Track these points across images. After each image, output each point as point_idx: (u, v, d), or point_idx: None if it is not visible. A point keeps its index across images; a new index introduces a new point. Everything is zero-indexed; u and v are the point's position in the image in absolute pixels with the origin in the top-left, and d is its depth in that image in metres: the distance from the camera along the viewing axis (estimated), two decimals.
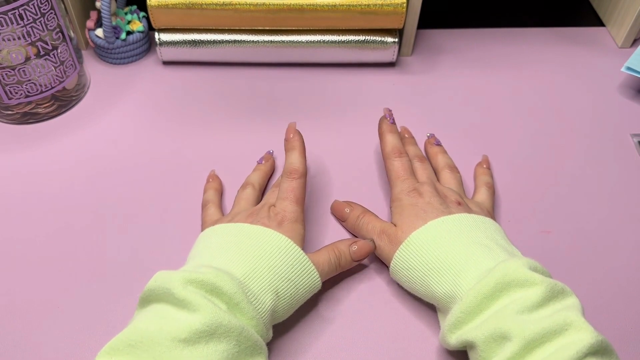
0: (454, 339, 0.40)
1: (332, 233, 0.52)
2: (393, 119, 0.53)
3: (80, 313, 0.46)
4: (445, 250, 0.43)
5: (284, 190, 0.46)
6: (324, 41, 0.64)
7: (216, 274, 0.37)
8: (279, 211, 0.45)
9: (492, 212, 0.50)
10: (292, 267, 0.42)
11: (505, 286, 0.38)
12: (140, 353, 0.34)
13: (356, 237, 0.50)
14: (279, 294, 0.41)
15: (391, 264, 0.45)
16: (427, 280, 0.43)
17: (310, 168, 0.57)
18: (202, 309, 0.35)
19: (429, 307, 0.46)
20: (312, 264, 0.43)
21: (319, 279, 0.43)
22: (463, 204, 0.47)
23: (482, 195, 0.52)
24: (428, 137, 0.58)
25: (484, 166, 0.56)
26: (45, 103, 0.60)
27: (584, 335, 0.35)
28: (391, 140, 0.51)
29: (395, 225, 0.47)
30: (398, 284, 0.47)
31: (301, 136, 0.49)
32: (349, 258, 0.46)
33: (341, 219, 0.52)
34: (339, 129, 0.61)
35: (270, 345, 0.44)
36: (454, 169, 0.53)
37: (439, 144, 0.57)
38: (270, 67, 0.67)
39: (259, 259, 0.41)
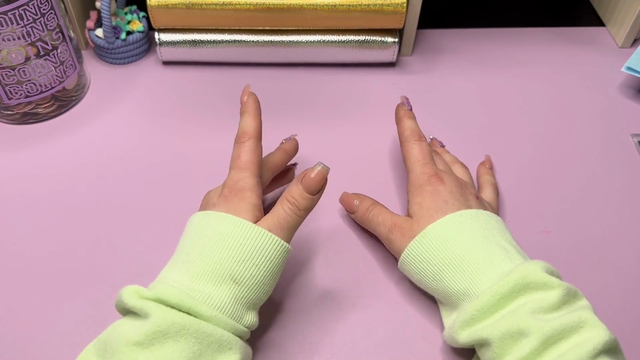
0: (466, 335, 0.39)
1: (334, 231, 0.52)
2: (410, 106, 0.51)
3: (80, 313, 0.46)
4: (464, 246, 0.41)
5: (232, 159, 0.43)
6: (324, 41, 0.64)
7: (162, 288, 0.36)
8: (227, 184, 0.42)
9: (497, 213, 0.50)
10: (239, 246, 0.38)
11: (524, 287, 0.38)
12: None
13: (366, 230, 0.50)
14: (237, 279, 0.38)
15: (403, 255, 0.44)
16: (442, 276, 0.42)
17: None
18: (153, 312, 0.35)
19: (435, 306, 0.46)
20: (261, 230, 0.39)
21: (279, 241, 0.39)
22: (480, 198, 0.47)
23: (489, 195, 0.51)
24: (431, 139, 0.58)
25: (487, 166, 0.55)
26: (45, 103, 0.60)
27: (598, 333, 0.35)
28: (410, 124, 0.49)
29: (411, 217, 0.45)
30: (405, 283, 0.47)
31: (255, 98, 0.46)
32: (305, 195, 0.40)
33: (350, 211, 0.51)
34: (339, 128, 0.61)
35: (271, 341, 0.44)
36: (463, 164, 0.53)
37: (442, 146, 0.56)
38: (270, 67, 0.67)
39: (204, 251, 0.39)
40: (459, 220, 0.43)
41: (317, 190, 0.40)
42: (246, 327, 0.39)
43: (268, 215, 0.40)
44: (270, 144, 0.58)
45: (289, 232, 0.40)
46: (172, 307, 0.36)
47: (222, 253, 0.38)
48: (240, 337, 0.38)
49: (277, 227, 0.40)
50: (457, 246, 0.42)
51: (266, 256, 0.39)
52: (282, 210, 0.40)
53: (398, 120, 0.51)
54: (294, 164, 0.55)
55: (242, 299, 0.38)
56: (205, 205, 0.44)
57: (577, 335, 0.35)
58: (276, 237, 0.39)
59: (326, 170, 0.40)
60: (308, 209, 0.41)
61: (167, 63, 0.68)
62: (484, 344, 0.38)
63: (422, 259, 0.43)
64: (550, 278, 0.38)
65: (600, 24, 0.75)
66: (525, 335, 0.36)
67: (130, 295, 0.36)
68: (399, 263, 0.45)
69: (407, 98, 0.52)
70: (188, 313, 0.36)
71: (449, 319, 0.42)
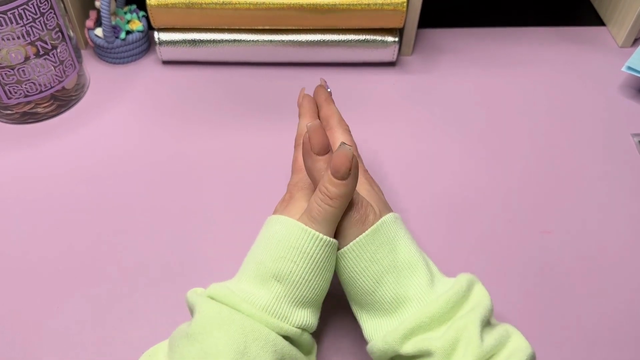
0: (410, 345, 0.37)
1: None
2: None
3: (80, 313, 0.46)
4: (405, 249, 0.40)
5: (292, 162, 0.43)
6: (324, 40, 0.64)
7: (213, 286, 0.38)
8: (288, 188, 0.43)
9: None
10: (277, 243, 0.38)
11: (467, 296, 0.38)
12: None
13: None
14: (279, 277, 0.37)
15: (354, 242, 0.38)
16: (383, 279, 0.38)
17: None
18: (203, 305, 0.36)
19: None
20: (295, 223, 0.38)
21: (312, 233, 0.37)
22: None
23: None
24: (321, 81, 0.52)
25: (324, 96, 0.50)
26: (45, 103, 0.60)
27: (523, 344, 0.36)
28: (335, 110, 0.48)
29: (372, 205, 0.40)
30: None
31: (309, 99, 0.46)
32: (335, 182, 0.37)
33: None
34: None
35: None
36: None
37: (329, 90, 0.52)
38: (270, 67, 0.67)
39: (252, 254, 0.39)
40: (399, 220, 0.41)
41: (345, 174, 0.37)
42: (296, 327, 0.38)
43: (305, 210, 0.39)
44: (269, 143, 0.58)
45: (326, 225, 0.38)
46: (220, 302, 0.37)
47: (265, 253, 0.38)
48: (290, 337, 0.37)
49: (311, 220, 0.38)
50: (402, 244, 0.39)
51: (302, 251, 0.37)
52: (314, 203, 0.38)
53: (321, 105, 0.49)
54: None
55: (287, 297, 0.37)
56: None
57: (506, 348, 0.36)
58: (309, 229, 0.37)
59: (348, 150, 0.37)
60: (342, 197, 0.37)
61: (166, 62, 0.68)
62: (426, 355, 0.36)
63: (371, 255, 0.39)
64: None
65: (601, 23, 0.75)
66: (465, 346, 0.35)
67: (190, 293, 0.38)
68: (341, 250, 0.40)
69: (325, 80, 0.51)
70: (233, 306, 0.37)
71: (380, 327, 0.39)
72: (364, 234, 0.38)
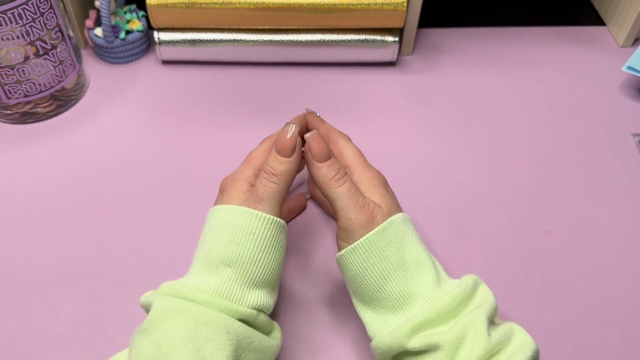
0: (417, 340, 0.37)
1: (329, 234, 0.52)
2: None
3: (80, 313, 0.46)
4: (413, 247, 0.40)
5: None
6: (324, 40, 0.64)
7: (165, 284, 0.39)
8: (219, 188, 0.44)
9: None
10: (222, 229, 0.39)
11: (474, 294, 0.39)
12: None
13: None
14: (228, 262, 0.38)
15: (364, 239, 0.39)
16: (391, 275, 0.39)
17: None
18: (155, 301, 0.37)
19: None
20: (237, 208, 0.39)
21: (255, 214, 0.38)
22: None
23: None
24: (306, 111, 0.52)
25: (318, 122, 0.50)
26: (45, 102, 0.60)
27: (527, 339, 0.36)
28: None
29: (379, 205, 0.41)
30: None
31: (300, 118, 0.49)
32: (279, 159, 0.40)
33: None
34: (338, 128, 0.61)
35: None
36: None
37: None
38: (270, 67, 0.67)
39: (200, 247, 0.40)
40: (408, 221, 0.41)
41: (290, 152, 0.39)
42: (251, 308, 0.38)
43: (250, 195, 0.40)
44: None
45: (270, 203, 0.39)
46: (172, 296, 0.37)
47: (212, 241, 0.39)
48: (246, 319, 0.38)
49: (256, 201, 0.39)
50: (411, 244, 0.40)
51: (249, 232, 0.38)
52: (259, 183, 0.40)
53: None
54: (308, 196, 0.54)
55: (238, 279, 0.38)
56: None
57: (511, 344, 0.36)
58: (253, 210, 0.39)
59: (293, 128, 0.40)
60: (286, 173, 0.40)
61: (166, 62, 0.68)
62: (433, 348, 0.37)
63: (379, 253, 0.39)
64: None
65: (601, 23, 0.74)
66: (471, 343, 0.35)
67: (142, 297, 0.39)
68: (342, 252, 0.40)
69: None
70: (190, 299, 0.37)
71: (385, 324, 0.39)
72: (373, 231, 0.39)
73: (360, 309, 0.41)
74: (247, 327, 0.38)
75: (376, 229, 0.39)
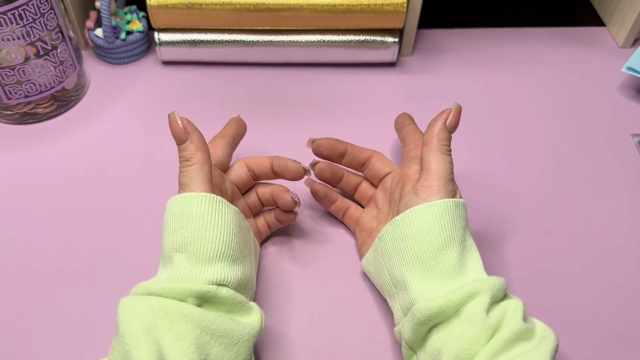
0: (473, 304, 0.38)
1: (331, 233, 0.52)
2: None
3: (80, 313, 0.46)
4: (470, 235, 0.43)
5: None
6: (324, 41, 0.64)
7: (135, 287, 0.40)
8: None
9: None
10: (166, 222, 0.41)
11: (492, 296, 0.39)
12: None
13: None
14: (179, 248, 0.40)
15: (448, 200, 0.41)
16: (450, 241, 0.40)
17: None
18: (120, 303, 0.38)
19: None
20: (171, 199, 0.42)
21: (181, 196, 0.41)
22: None
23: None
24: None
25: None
26: (45, 103, 0.60)
27: (551, 334, 0.37)
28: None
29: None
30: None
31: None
32: (179, 147, 0.43)
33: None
34: (338, 128, 0.61)
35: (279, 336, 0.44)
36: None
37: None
38: (270, 67, 0.67)
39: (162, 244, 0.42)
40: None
41: (183, 137, 0.43)
42: (212, 284, 0.38)
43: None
44: (269, 144, 0.58)
45: (195, 184, 0.41)
46: (134, 294, 0.39)
47: (163, 238, 0.41)
48: (206, 296, 0.38)
49: (182, 188, 0.42)
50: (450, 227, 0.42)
51: (185, 214, 0.40)
52: (179, 174, 0.43)
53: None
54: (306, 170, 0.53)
55: (190, 260, 0.39)
56: None
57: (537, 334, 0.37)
58: (182, 194, 0.41)
59: (171, 115, 0.43)
60: (194, 155, 0.42)
61: (166, 63, 0.68)
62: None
63: (451, 220, 0.41)
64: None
65: (601, 24, 0.74)
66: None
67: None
68: (425, 204, 0.41)
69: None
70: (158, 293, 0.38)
71: (434, 289, 0.40)
72: (455, 199, 0.41)
73: (405, 272, 0.41)
74: (211, 313, 0.38)
75: (455, 200, 0.41)
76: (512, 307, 0.38)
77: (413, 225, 0.41)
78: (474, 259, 0.41)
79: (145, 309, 0.36)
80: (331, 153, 0.50)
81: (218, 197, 0.41)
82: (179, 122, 0.43)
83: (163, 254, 0.41)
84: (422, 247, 0.40)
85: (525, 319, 0.38)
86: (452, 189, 0.42)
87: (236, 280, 0.40)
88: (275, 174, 0.48)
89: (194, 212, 0.40)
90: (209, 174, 0.42)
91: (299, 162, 0.47)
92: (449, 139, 0.44)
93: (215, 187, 0.44)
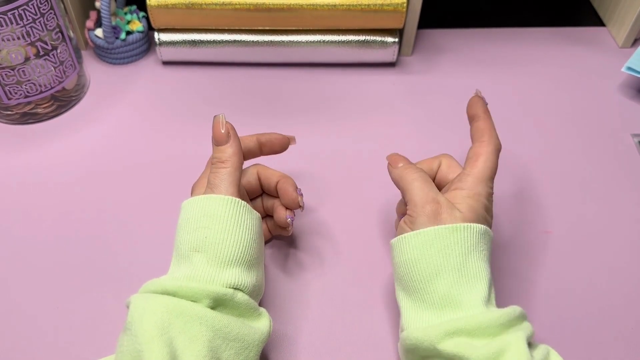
0: (452, 344, 0.36)
1: (330, 235, 0.52)
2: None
3: (80, 313, 0.46)
4: (479, 261, 0.40)
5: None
6: (324, 41, 0.64)
7: (146, 283, 0.39)
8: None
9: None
10: (187, 220, 0.41)
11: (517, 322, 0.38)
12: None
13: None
14: (197, 248, 0.39)
15: (433, 229, 0.39)
16: (441, 271, 0.38)
17: (310, 168, 0.57)
18: (132, 299, 0.38)
19: None
20: (194, 197, 0.41)
21: (209, 197, 0.41)
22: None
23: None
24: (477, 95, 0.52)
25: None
26: (45, 103, 0.60)
27: None
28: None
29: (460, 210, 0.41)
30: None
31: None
32: (216, 148, 0.44)
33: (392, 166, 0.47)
34: (338, 128, 0.61)
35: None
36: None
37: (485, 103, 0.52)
38: (270, 67, 0.67)
39: (175, 241, 0.42)
40: (487, 237, 0.41)
41: (224, 140, 0.43)
42: (227, 287, 0.38)
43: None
44: None
45: (224, 186, 0.41)
46: (147, 292, 0.38)
47: (181, 234, 0.41)
48: (222, 299, 0.38)
49: (212, 188, 0.41)
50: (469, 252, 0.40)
51: (210, 214, 0.40)
52: (210, 174, 0.43)
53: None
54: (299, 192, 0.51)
55: (209, 261, 0.39)
56: None
57: None
58: (210, 195, 0.41)
59: (221, 117, 0.44)
60: (230, 158, 0.43)
61: (166, 63, 0.68)
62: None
63: (442, 245, 0.39)
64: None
65: (601, 24, 0.75)
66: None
67: (127, 299, 0.39)
68: (410, 233, 0.40)
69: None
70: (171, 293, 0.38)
71: (421, 319, 0.39)
72: (445, 226, 0.39)
73: (401, 297, 0.41)
74: (224, 316, 0.38)
75: (448, 226, 0.39)
76: (515, 343, 0.35)
77: (403, 255, 0.40)
78: (477, 290, 0.38)
79: (160, 308, 0.36)
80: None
81: (244, 202, 0.41)
82: (222, 126, 0.43)
83: (179, 252, 0.40)
84: (411, 277, 0.39)
85: (530, 348, 0.36)
86: (432, 212, 0.40)
87: (251, 285, 0.40)
88: (278, 194, 0.48)
89: (219, 214, 0.40)
90: (239, 179, 0.43)
91: (300, 193, 0.47)
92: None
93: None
